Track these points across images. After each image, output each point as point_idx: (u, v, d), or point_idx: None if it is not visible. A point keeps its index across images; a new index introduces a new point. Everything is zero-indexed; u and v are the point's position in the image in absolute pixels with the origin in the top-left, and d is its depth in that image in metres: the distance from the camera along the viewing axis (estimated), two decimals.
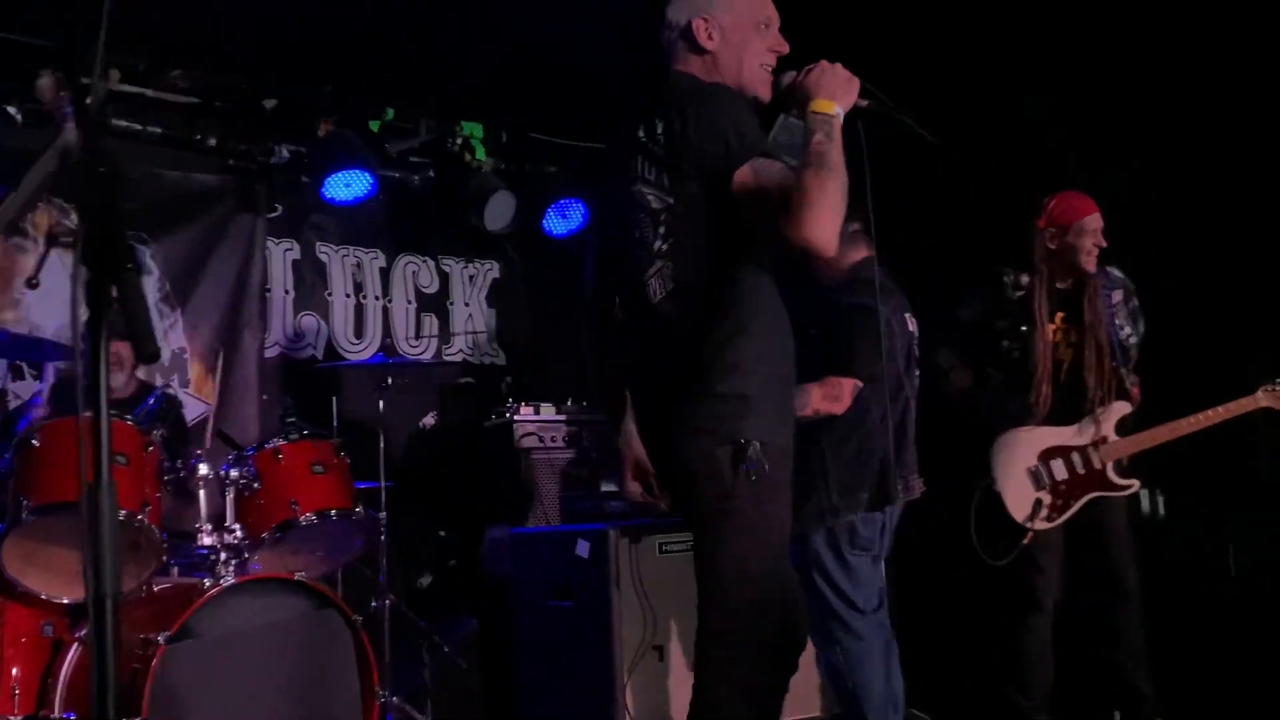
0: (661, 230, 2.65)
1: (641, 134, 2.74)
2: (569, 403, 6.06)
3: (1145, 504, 5.45)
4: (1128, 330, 4.50)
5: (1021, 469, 4.39)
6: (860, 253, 4.07)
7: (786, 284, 2.81)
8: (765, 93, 2.76)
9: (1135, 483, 4.45)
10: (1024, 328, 4.42)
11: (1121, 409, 4.45)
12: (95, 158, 1.68)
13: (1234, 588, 5.25)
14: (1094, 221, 4.40)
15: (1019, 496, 4.37)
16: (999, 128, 5.46)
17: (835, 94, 2.58)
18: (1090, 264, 4.40)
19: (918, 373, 4.22)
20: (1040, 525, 4.34)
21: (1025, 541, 4.32)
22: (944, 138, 2.90)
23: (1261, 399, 4.38)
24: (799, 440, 2.94)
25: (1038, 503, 4.36)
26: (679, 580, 4.77)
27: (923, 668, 4.59)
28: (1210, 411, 4.38)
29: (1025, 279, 4.46)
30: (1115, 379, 4.44)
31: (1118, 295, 4.53)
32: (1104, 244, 4.42)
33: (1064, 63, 5.35)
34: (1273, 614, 5.14)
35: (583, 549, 4.71)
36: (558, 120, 6.58)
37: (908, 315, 4.19)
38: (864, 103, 2.68)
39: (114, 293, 1.61)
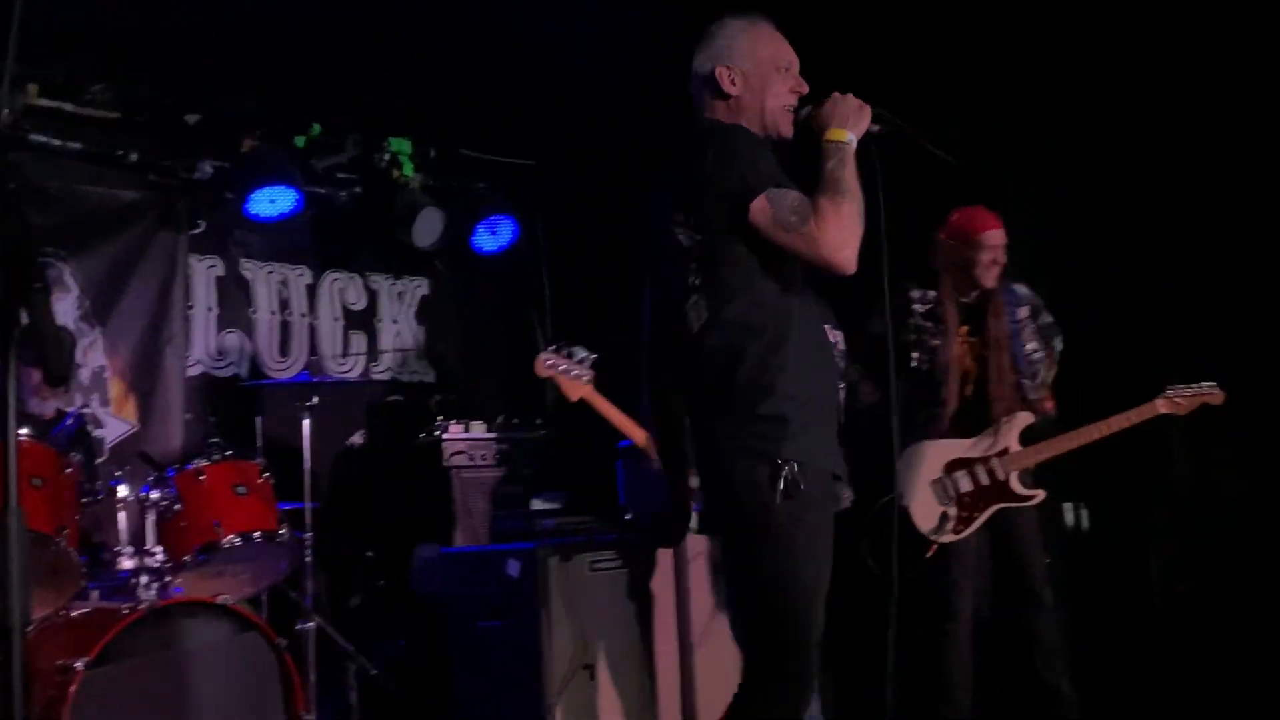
0: (693, 265, 2.84)
1: (673, 178, 2.97)
2: (499, 420, 6.02)
3: (1069, 517, 5.53)
4: (1032, 345, 4.56)
5: (927, 482, 4.43)
6: None
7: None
8: (788, 130, 2.94)
9: (1040, 493, 4.49)
10: (933, 340, 4.47)
11: (1025, 420, 4.49)
12: (3, 175, 1.63)
13: (1155, 597, 5.34)
14: (993, 238, 4.46)
15: (925, 509, 4.40)
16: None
17: (847, 122, 2.79)
18: (988, 279, 4.46)
19: (842, 385, 4.24)
20: (947, 538, 4.38)
21: (928, 555, 4.35)
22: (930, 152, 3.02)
23: (1160, 406, 4.46)
24: None
25: (944, 516, 4.39)
26: (610, 599, 4.77)
27: (845, 681, 4.62)
28: (1111, 420, 4.43)
29: (932, 293, 4.52)
30: (1018, 392, 4.49)
31: (1024, 311, 4.60)
32: (1003, 261, 4.48)
33: (989, 85, 5.43)
34: (1192, 622, 5.24)
35: (513, 568, 4.67)
36: (487, 136, 6.55)
37: (828, 327, 4.19)
38: (875, 128, 2.85)
39: (23, 315, 1.57)
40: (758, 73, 2.93)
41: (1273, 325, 5.14)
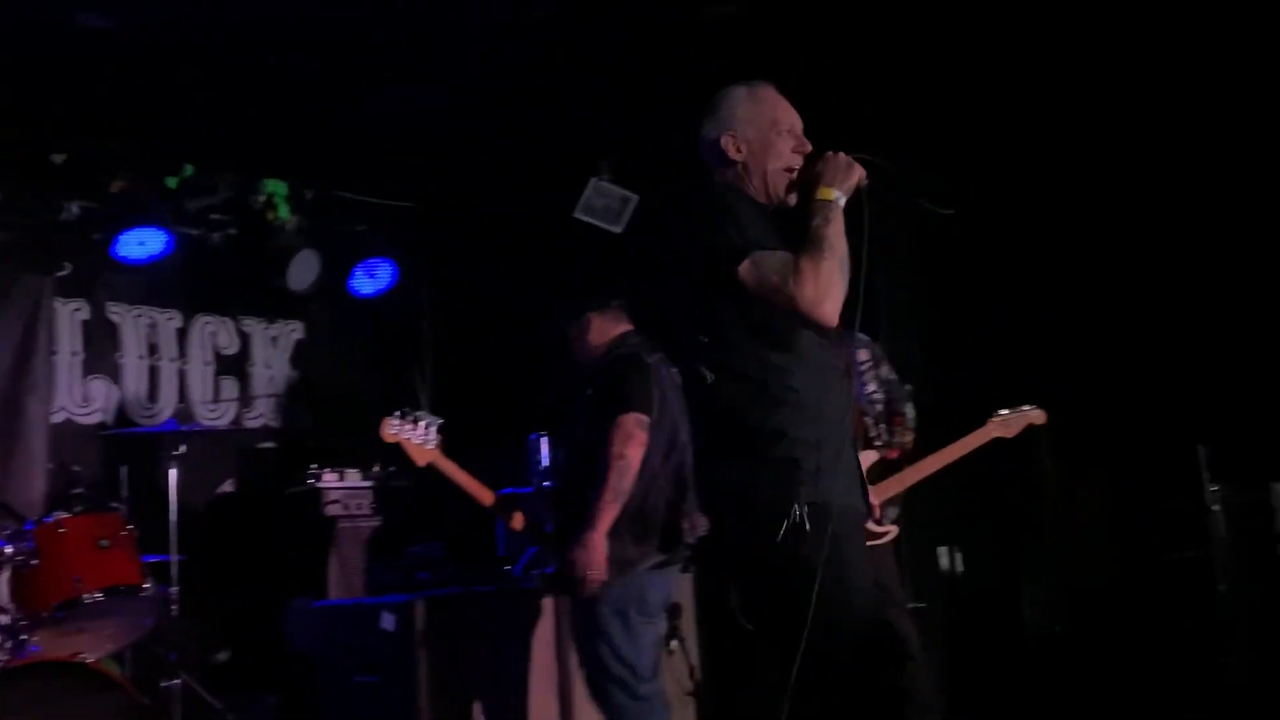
0: (699, 323, 2.99)
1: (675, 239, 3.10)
2: (375, 468, 5.91)
3: (944, 560, 5.62)
4: (873, 388, 4.63)
5: None
6: (619, 328, 4.24)
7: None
8: (786, 191, 3.07)
9: (893, 530, 4.52)
10: None
11: (869, 458, 4.52)
12: None
13: (1029, 641, 5.45)
14: None
15: None
16: None
17: (835, 180, 2.91)
18: None
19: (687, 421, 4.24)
20: None
21: None
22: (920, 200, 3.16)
23: (993, 429, 4.56)
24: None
25: None
26: (489, 651, 4.69)
27: None
28: (950, 448, 4.51)
29: None
30: (861, 432, 4.54)
31: (864, 354, 4.67)
32: None
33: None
34: (1064, 664, 5.35)
35: (388, 622, 4.58)
36: (365, 178, 6.48)
37: (670, 368, 4.21)
38: (865, 183, 2.96)
39: None
40: (760, 138, 3.06)
41: (1128, 376, 5.31)
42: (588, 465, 3.98)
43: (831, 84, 5.22)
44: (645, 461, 3.99)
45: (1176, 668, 5.11)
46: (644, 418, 3.98)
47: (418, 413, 4.32)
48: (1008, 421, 4.57)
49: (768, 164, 3.05)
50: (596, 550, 3.90)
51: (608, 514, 3.91)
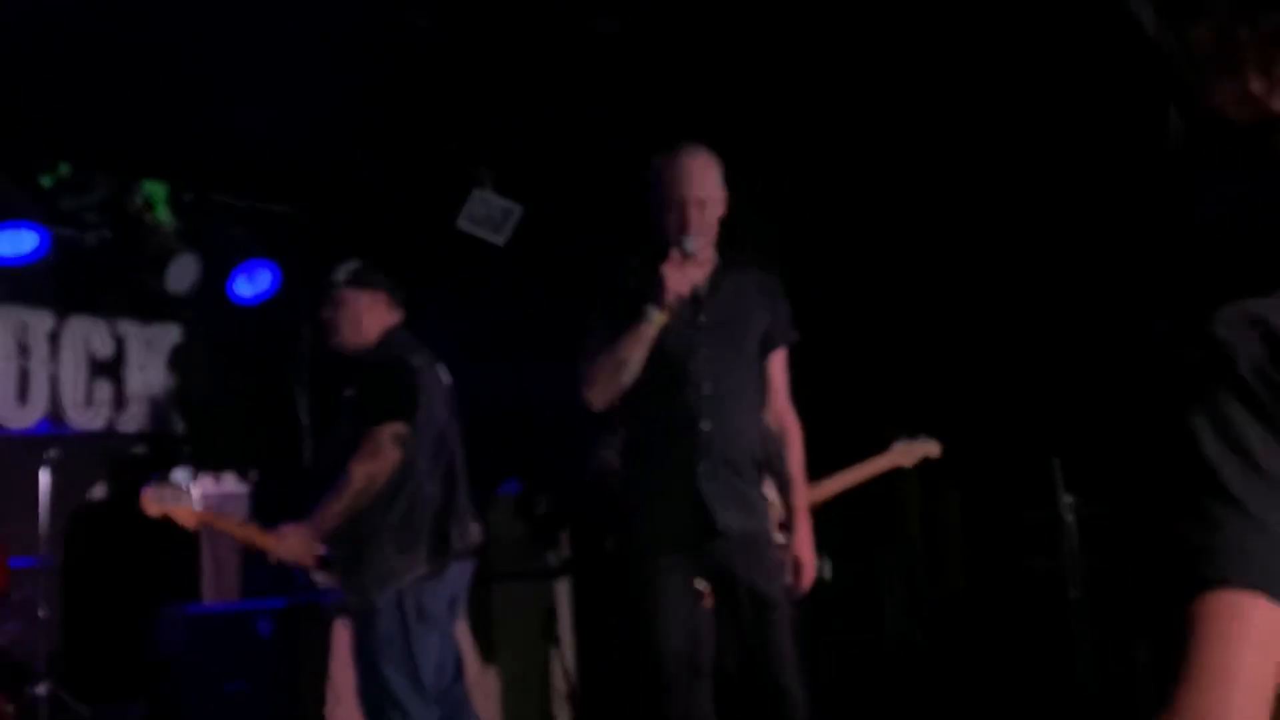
0: None
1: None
2: (252, 472, 5.87)
3: (823, 569, 5.76)
4: None
5: None
6: (390, 317, 4.12)
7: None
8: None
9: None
10: None
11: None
12: None
13: (889, 647, 5.62)
14: None
15: None
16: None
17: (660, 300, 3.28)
18: None
19: (457, 423, 4.15)
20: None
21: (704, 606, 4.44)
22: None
23: (896, 457, 4.72)
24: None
25: None
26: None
27: None
28: (849, 471, 4.66)
29: None
30: None
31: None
32: None
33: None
34: (924, 670, 5.53)
35: (264, 628, 4.57)
36: (246, 182, 6.42)
37: (439, 367, 4.16)
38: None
39: None
40: (659, 211, 3.40)
41: (982, 390, 5.51)
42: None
43: (703, 101, 5.36)
44: (410, 468, 3.85)
45: (1030, 674, 5.32)
46: (401, 428, 3.82)
47: (172, 473, 4.23)
48: (908, 450, 4.73)
49: (669, 235, 3.37)
50: (293, 544, 3.85)
51: (330, 522, 3.79)
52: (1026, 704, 5.26)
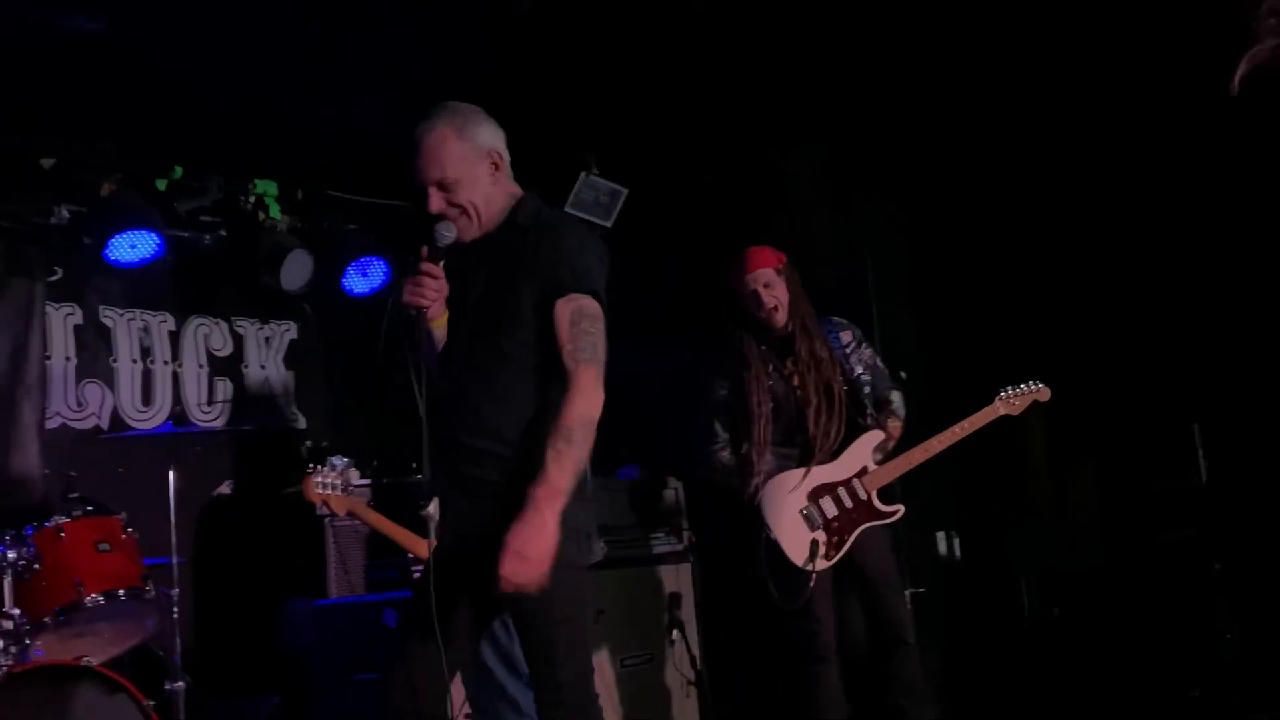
0: None
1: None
2: (372, 466, 5.91)
3: (942, 546, 5.65)
4: (860, 370, 4.69)
5: (794, 512, 4.48)
6: None
7: None
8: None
9: (900, 508, 4.59)
10: (742, 376, 4.55)
11: (875, 438, 4.60)
12: None
13: (1028, 625, 5.48)
14: (759, 277, 4.57)
15: (795, 540, 4.44)
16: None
17: None
18: (771, 317, 4.58)
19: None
20: (821, 565, 4.42)
21: (812, 583, 4.38)
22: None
23: (1000, 407, 4.60)
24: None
25: (814, 543, 4.44)
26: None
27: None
28: (956, 427, 4.56)
29: (737, 334, 4.63)
30: (860, 414, 4.60)
31: (847, 336, 4.74)
32: (777, 295, 4.57)
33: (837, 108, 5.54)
34: (1063, 647, 5.38)
35: (390, 619, 4.59)
36: (355, 177, 6.47)
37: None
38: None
39: None
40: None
41: (1119, 355, 5.33)
42: None
43: (809, 76, 5.26)
44: None
45: (1172, 649, 5.14)
46: None
47: (332, 459, 4.21)
48: (1012, 400, 4.60)
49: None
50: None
51: None
52: (1168, 681, 5.09)
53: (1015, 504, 5.53)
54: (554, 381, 2.94)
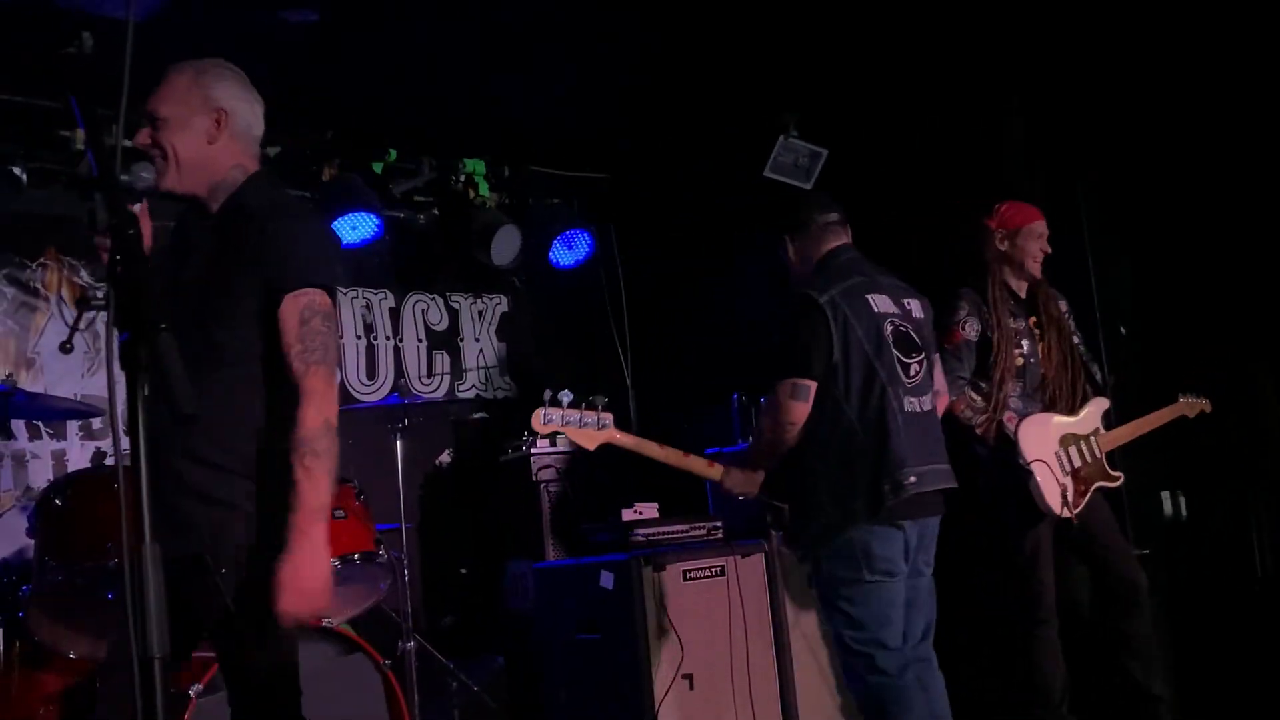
0: None
1: None
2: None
3: (1167, 506, 5.45)
4: (1077, 338, 4.72)
5: (1050, 451, 4.42)
6: (832, 242, 3.90)
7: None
8: None
9: (1121, 476, 4.58)
10: (989, 330, 4.51)
11: (1103, 404, 4.63)
12: (123, 221, 1.69)
13: (1261, 586, 5.23)
14: (1041, 228, 4.61)
15: (1049, 481, 4.37)
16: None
17: None
18: (1037, 269, 4.61)
19: (897, 355, 3.70)
20: (1067, 513, 4.34)
21: (1075, 522, 4.35)
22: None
23: (1181, 408, 4.83)
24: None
25: (1064, 490, 4.39)
26: (705, 607, 4.78)
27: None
28: (1145, 419, 4.73)
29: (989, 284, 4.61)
30: (1087, 375, 4.64)
31: (1064, 304, 4.74)
32: (1049, 250, 4.61)
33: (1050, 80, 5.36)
34: None
35: (607, 580, 4.70)
36: (558, 152, 6.61)
37: (872, 297, 3.74)
38: None
39: (145, 354, 1.62)
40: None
41: None
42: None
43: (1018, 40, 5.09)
44: (838, 417, 3.67)
45: None
46: (799, 382, 3.65)
47: (559, 394, 3.95)
48: (1190, 404, 4.85)
49: None
50: (736, 476, 3.87)
51: (748, 463, 3.91)
52: None
53: (1247, 461, 5.28)
54: (281, 385, 2.66)
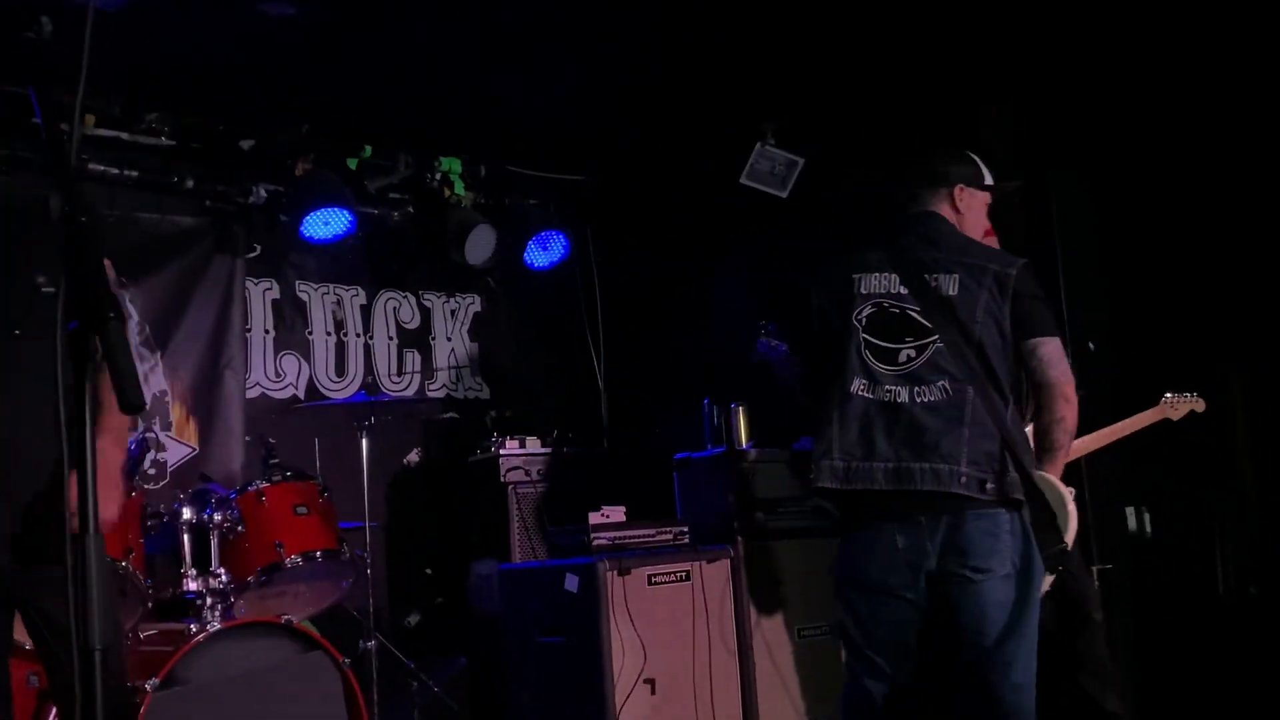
0: None
1: None
2: (554, 434, 6.04)
3: (1132, 521, 5.47)
4: None
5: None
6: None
7: None
8: None
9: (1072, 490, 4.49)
10: None
11: None
12: (76, 208, 1.67)
13: (1223, 603, 5.26)
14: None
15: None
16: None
17: None
18: None
19: (899, 346, 3.40)
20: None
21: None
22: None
23: (1164, 410, 4.71)
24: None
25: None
26: (669, 612, 4.77)
27: None
28: (1122, 424, 4.62)
29: None
30: None
31: None
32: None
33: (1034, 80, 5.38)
34: (1260, 627, 5.15)
35: (572, 583, 4.69)
36: (536, 153, 6.59)
37: (877, 276, 3.44)
38: None
39: (97, 344, 1.60)
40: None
41: None
42: None
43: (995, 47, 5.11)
44: None
45: None
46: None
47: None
48: (1174, 404, 4.73)
49: None
50: None
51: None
52: None
53: (1212, 478, 5.31)
54: None
